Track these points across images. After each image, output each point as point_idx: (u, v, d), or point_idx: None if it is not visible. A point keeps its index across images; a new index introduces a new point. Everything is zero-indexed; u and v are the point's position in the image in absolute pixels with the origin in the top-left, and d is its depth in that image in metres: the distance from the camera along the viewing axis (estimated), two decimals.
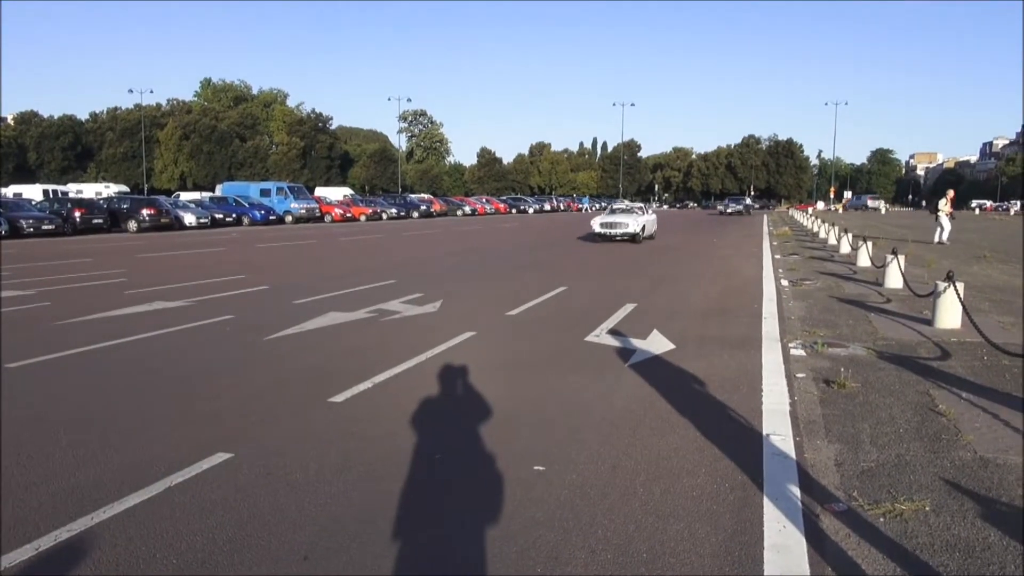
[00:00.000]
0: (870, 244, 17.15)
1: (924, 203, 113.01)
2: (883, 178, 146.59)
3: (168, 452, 4.65)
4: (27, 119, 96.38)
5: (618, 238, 25.01)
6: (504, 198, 76.71)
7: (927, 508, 3.82)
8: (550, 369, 7.01)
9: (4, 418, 5.37)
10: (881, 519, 3.72)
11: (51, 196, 42.34)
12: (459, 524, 3.71)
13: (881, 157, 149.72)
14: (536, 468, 4.40)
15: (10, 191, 49.22)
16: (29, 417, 5.40)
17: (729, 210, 66.34)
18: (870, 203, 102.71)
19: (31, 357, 7.22)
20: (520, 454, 4.64)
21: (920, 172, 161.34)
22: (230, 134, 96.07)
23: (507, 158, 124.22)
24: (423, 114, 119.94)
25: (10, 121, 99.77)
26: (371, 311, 10.11)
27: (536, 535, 3.56)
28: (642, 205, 33.59)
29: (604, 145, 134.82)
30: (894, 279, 12.70)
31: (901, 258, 12.78)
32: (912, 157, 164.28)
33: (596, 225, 25.40)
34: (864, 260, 16.60)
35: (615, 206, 31.20)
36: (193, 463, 4.44)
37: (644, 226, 25.50)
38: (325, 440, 4.92)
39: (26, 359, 7.15)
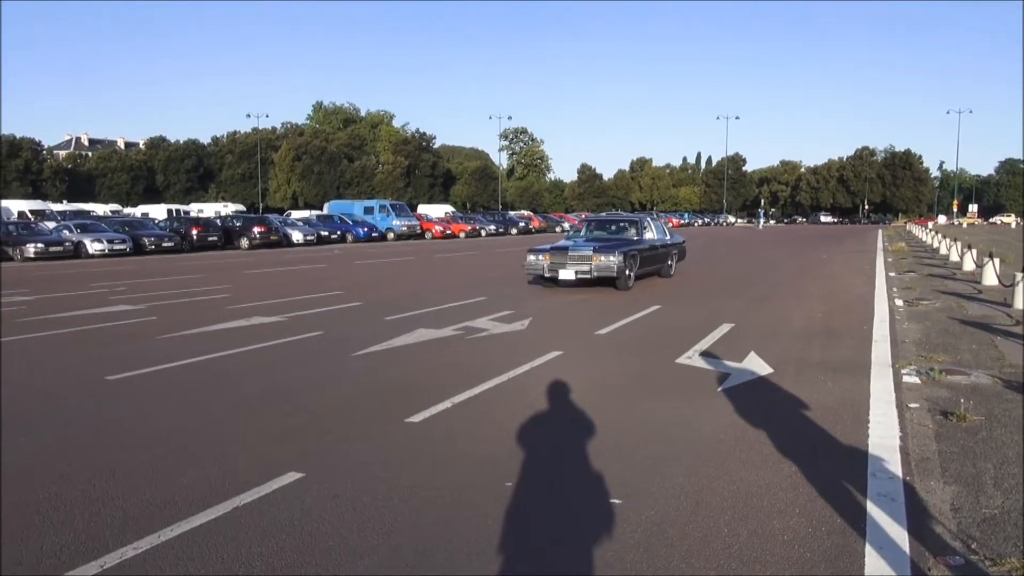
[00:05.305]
0: (997, 261, 15.80)
1: None
2: (1013, 190, 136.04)
3: (242, 470, 4.64)
4: (156, 144, 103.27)
5: None
6: (603, 214, 76.03)
7: None
8: (636, 392, 6.69)
9: (101, 431, 5.56)
10: None
11: (174, 215, 45.25)
12: (521, 563, 3.48)
13: (1011, 167, 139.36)
14: (613, 501, 4.12)
15: (138, 211, 53.04)
16: (118, 431, 5.56)
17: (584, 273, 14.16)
18: (823, 219, 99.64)
19: (128, 371, 7.50)
20: (597, 485, 4.38)
21: None
22: (339, 155, 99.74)
23: (608, 174, 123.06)
24: (524, 132, 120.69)
25: (141, 146, 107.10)
26: (459, 328, 10.04)
27: None
28: None
29: (709, 160, 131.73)
30: None
31: None
32: None
33: None
34: (991, 278, 15.31)
35: None
36: (264, 482, 4.40)
37: None
38: (397, 462, 4.80)
39: (123, 372, 7.43)
